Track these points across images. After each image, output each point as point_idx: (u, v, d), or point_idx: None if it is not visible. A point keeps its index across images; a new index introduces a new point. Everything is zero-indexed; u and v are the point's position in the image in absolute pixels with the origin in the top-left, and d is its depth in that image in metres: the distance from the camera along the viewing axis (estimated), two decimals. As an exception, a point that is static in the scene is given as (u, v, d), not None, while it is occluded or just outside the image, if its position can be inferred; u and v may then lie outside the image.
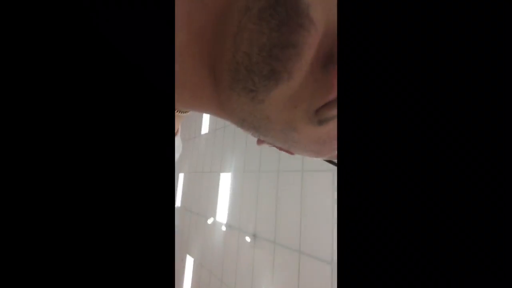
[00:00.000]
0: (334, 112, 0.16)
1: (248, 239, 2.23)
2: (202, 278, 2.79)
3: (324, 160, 0.26)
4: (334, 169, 1.57)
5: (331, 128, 0.18)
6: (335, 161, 0.25)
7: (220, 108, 0.20)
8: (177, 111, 0.24)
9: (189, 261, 3.16)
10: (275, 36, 0.14)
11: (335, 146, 0.20)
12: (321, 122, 0.17)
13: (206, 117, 3.58)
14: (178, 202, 3.85)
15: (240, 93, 0.16)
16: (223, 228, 2.59)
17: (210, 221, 2.88)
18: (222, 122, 3.00)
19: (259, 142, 0.25)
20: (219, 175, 2.88)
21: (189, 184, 3.63)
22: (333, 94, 0.15)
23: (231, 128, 2.82)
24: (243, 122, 0.19)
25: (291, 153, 0.25)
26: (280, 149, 0.25)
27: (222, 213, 2.71)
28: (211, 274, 2.63)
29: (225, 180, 2.74)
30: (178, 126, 0.29)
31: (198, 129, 3.70)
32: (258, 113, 0.17)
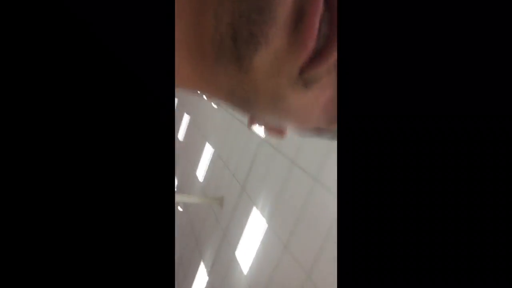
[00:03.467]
0: (316, 70, 0.17)
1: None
2: (219, 171, 4.40)
3: (312, 132, 0.25)
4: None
5: (318, 93, 0.18)
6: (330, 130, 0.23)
7: (204, 85, 0.21)
8: None
9: (208, 150, 4.75)
10: (253, 1, 0.15)
11: (324, 114, 0.20)
12: (306, 85, 0.18)
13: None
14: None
15: (227, 65, 0.17)
16: (214, 104, 4.19)
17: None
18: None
19: (250, 122, 0.26)
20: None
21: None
22: (307, 52, 0.16)
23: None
24: (232, 95, 0.20)
25: (281, 136, 0.26)
26: (270, 131, 0.26)
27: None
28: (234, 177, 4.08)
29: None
30: None
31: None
32: (246, 84, 0.18)
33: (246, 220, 2.69)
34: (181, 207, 4.11)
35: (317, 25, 0.15)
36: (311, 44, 0.16)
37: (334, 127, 0.22)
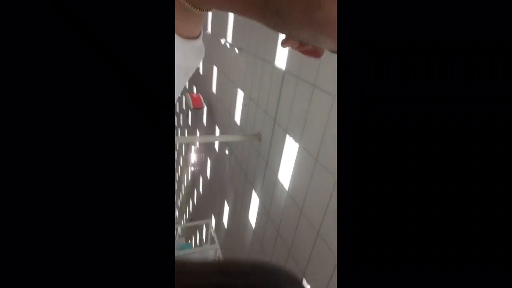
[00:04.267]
0: None
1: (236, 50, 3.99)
2: (253, 112, 4.10)
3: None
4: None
5: None
6: None
7: None
8: (196, 8, 0.23)
9: (240, 95, 4.49)
10: None
11: None
12: None
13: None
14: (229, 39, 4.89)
15: None
16: (236, 50, 4.33)
17: (223, 41, 4.65)
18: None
19: (285, 41, 0.25)
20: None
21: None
22: None
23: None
24: (266, 6, 0.20)
25: (318, 55, 0.25)
26: (306, 52, 0.25)
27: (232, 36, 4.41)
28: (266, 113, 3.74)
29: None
30: (199, 27, 0.28)
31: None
32: None
33: (282, 147, 3.04)
34: (227, 151, 4.64)
35: None
36: None
37: None
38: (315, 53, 0.25)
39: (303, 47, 0.25)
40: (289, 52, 2.86)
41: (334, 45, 0.21)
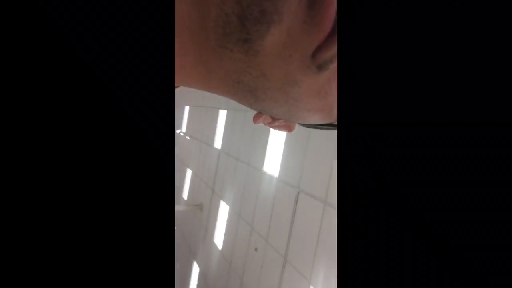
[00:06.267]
0: (331, 51, 0.16)
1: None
2: (198, 186, 4.95)
3: (323, 125, 0.25)
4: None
5: (332, 75, 0.17)
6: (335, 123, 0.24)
7: (208, 75, 0.20)
8: None
9: (188, 173, 5.07)
10: None
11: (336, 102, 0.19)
12: (320, 68, 0.17)
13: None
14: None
15: (234, 48, 0.16)
16: (187, 138, 5.23)
17: (178, 131, 5.59)
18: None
19: (256, 117, 0.24)
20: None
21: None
22: (324, 32, 0.15)
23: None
24: (238, 84, 0.19)
25: (290, 130, 0.25)
26: (278, 127, 0.25)
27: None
28: (206, 185, 4.45)
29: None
30: None
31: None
32: (254, 69, 0.17)
33: (217, 211, 3.61)
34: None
35: (335, 3, 0.14)
36: (328, 23, 0.15)
37: None
38: (288, 128, 0.26)
39: (275, 122, 0.26)
40: (224, 135, 3.80)
41: (308, 118, 0.22)
